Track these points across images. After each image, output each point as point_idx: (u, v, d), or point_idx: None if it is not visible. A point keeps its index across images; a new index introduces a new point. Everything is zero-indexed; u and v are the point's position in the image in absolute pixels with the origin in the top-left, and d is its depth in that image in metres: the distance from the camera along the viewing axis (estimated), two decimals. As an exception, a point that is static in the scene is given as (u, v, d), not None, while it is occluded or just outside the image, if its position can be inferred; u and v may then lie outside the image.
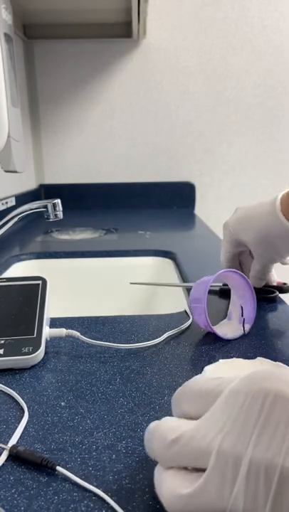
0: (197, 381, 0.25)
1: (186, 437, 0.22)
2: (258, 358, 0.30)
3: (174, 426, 0.23)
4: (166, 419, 0.25)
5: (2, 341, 0.44)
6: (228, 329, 0.51)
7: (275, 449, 0.19)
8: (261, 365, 0.29)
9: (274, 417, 0.19)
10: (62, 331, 0.47)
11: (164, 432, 0.24)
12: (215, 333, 0.49)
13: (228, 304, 0.55)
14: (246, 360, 0.30)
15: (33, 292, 0.50)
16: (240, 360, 0.30)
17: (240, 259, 0.62)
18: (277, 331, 0.53)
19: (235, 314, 0.53)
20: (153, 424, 0.25)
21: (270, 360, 0.29)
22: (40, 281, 0.51)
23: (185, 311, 0.58)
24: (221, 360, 0.30)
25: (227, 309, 0.55)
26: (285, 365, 0.28)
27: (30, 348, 0.43)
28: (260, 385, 0.21)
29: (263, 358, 0.29)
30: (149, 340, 0.48)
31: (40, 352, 0.43)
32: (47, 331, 0.47)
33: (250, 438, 0.20)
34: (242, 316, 0.52)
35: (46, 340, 0.46)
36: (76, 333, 0.47)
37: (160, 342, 0.49)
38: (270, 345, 0.48)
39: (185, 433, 0.22)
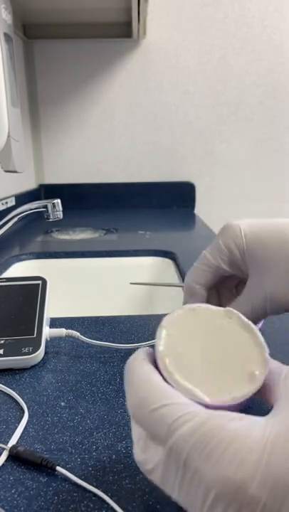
0: (146, 400, 0.21)
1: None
2: (228, 308, 0.26)
3: (146, 457, 0.22)
4: (137, 441, 0.23)
5: (2, 341, 0.44)
6: None
7: None
8: (229, 319, 0.25)
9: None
10: (62, 331, 0.47)
11: (140, 462, 0.22)
12: None
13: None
14: (213, 309, 0.26)
15: (33, 292, 0.49)
16: (207, 308, 0.27)
17: (218, 288, 0.40)
18: (278, 330, 0.53)
19: None
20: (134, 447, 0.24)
21: (239, 314, 0.26)
22: (40, 281, 0.51)
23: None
24: (186, 306, 0.27)
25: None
26: (255, 327, 0.25)
27: (30, 348, 0.43)
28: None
29: (233, 311, 0.26)
30: (149, 341, 0.48)
31: (40, 352, 0.43)
32: (47, 331, 0.47)
33: None
34: None
35: (46, 340, 0.46)
36: (76, 333, 0.47)
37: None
38: (270, 345, 0.48)
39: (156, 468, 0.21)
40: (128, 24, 1.41)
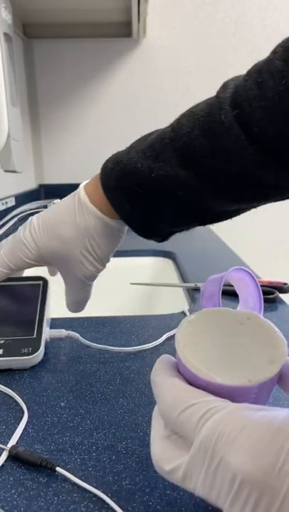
0: (174, 404, 0.22)
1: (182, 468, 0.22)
2: (248, 311, 0.27)
3: (169, 457, 0.22)
4: (157, 444, 0.24)
5: (2, 341, 0.43)
6: None
7: None
8: (248, 319, 0.26)
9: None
10: (62, 332, 0.47)
11: (159, 463, 0.23)
12: None
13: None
14: (232, 311, 0.27)
15: (33, 292, 0.49)
16: (227, 310, 0.27)
17: None
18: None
19: None
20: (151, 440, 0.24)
21: (258, 315, 0.26)
22: (41, 282, 0.51)
23: (183, 312, 0.58)
24: (205, 309, 0.28)
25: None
26: (273, 325, 0.26)
27: (30, 348, 0.43)
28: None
29: (252, 312, 0.27)
30: (149, 342, 0.48)
31: (40, 353, 0.43)
32: (47, 332, 0.46)
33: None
34: None
35: (46, 341, 0.46)
36: (76, 335, 0.47)
37: (159, 344, 0.49)
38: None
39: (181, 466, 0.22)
40: (128, 24, 1.41)
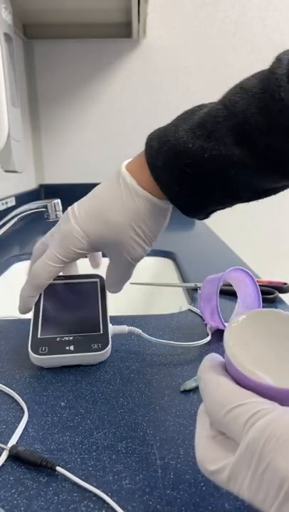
0: (222, 402, 0.22)
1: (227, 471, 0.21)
2: None
3: (214, 458, 0.22)
4: (202, 443, 0.23)
5: (71, 338, 0.44)
6: None
7: None
8: None
9: None
10: (125, 328, 0.48)
11: (204, 463, 0.23)
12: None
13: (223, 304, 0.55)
14: (283, 313, 0.27)
15: (92, 289, 0.50)
16: (278, 312, 0.27)
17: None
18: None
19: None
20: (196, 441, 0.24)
21: None
22: (98, 279, 0.51)
23: (180, 308, 0.58)
24: (256, 310, 0.27)
25: (229, 310, 0.55)
26: None
27: (100, 344, 0.43)
28: None
29: None
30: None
31: (109, 349, 0.43)
32: (111, 328, 0.47)
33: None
34: None
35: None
36: (138, 331, 0.48)
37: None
38: None
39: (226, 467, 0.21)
40: (128, 24, 1.41)
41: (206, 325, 0.53)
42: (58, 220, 0.76)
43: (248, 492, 0.20)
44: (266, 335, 0.25)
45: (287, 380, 0.23)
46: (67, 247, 0.41)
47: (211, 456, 0.22)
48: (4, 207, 1.17)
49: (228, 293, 0.62)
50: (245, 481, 0.20)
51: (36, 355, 0.42)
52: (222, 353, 0.26)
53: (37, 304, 0.47)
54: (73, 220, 0.40)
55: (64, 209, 0.78)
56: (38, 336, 0.44)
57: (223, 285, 0.65)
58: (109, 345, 0.44)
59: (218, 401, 0.22)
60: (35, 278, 0.42)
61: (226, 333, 0.25)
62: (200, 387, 0.25)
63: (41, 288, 0.43)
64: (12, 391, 0.39)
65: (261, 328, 0.26)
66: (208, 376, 0.24)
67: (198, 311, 0.57)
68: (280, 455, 0.18)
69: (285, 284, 0.65)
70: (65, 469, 0.29)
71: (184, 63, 1.56)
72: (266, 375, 0.23)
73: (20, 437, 0.33)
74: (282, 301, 0.62)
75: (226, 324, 0.48)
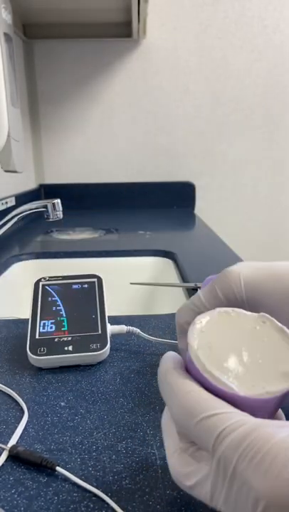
0: (192, 411, 0.21)
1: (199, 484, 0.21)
2: (262, 313, 0.26)
3: (188, 472, 0.22)
4: (175, 458, 0.23)
5: (70, 338, 0.44)
6: None
7: None
8: (263, 323, 0.25)
9: None
10: (123, 328, 0.48)
11: (179, 478, 0.22)
12: None
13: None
14: (246, 313, 0.26)
15: (90, 289, 0.50)
16: (241, 312, 0.26)
17: None
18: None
19: None
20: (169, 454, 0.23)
21: (273, 320, 0.25)
22: (95, 279, 0.51)
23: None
24: (219, 309, 0.26)
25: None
26: (287, 331, 0.25)
27: (98, 344, 0.43)
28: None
29: (267, 316, 0.26)
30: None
31: (108, 349, 0.43)
32: (109, 328, 0.47)
33: None
34: None
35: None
36: (136, 330, 0.48)
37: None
38: None
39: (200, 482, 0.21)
40: (128, 24, 1.41)
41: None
42: (57, 220, 0.76)
43: (226, 508, 0.19)
44: (230, 336, 0.25)
45: (253, 387, 0.22)
46: None
47: (185, 471, 0.22)
48: (4, 207, 1.17)
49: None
50: (221, 496, 0.19)
51: (35, 356, 0.42)
52: None
53: (35, 305, 0.47)
54: None
55: (64, 209, 0.78)
56: (36, 337, 0.44)
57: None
58: (108, 345, 0.44)
59: (188, 409, 0.21)
60: None
61: (189, 334, 0.24)
62: (163, 391, 0.24)
63: None
64: (12, 391, 0.39)
65: (225, 328, 0.25)
66: (174, 380, 0.23)
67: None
68: (254, 475, 0.18)
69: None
70: (65, 469, 0.29)
71: (183, 63, 1.56)
72: (232, 380, 0.22)
73: (20, 437, 0.33)
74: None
75: None
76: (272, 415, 0.23)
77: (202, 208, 1.67)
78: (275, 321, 0.25)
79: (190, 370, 0.24)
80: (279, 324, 0.25)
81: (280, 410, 0.25)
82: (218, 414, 0.20)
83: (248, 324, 0.25)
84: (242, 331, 0.25)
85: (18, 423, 0.35)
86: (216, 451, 0.19)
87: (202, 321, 0.26)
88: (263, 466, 0.18)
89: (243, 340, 0.24)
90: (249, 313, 0.26)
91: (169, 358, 0.25)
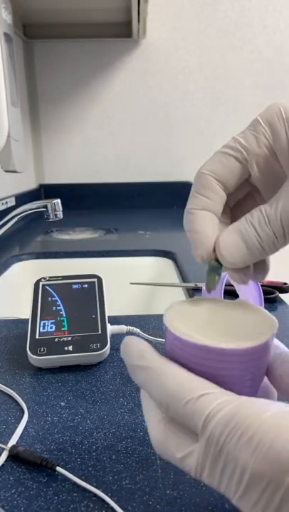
0: (178, 394, 0.20)
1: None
2: (239, 299, 0.26)
3: (178, 444, 0.21)
4: (158, 428, 0.22)
5: (70, 338, 0.44)
6: None
7: None
8: (239, 306, 0.25)
9: None
10: (123, 328, 0.48)
11: (167, 449, 0.21)
12: None
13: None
14: (225, 302, 0.26)
15: (90, 289, 0.50)
16: (218, 301, 0.26)
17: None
18: (278, 330, 0.53)
19: None
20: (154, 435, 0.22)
21: (250, 304, 0.25)
22: (95, 279, 0.51)
23: None
24: (194, 297, 0.26)
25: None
26: (265, 310, 0.25)
27: (98, 344, 0.43)
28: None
29: (244, 301, 0.25)
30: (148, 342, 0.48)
31: (108, 349, 0.43)
32: (109, 328, 0.47)
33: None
34: None
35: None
36: (137, 330, 0.48)
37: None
38: None
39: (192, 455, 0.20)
40: (128, 24, 1.41)
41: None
42: (57, 220, 0.76)
43: (210, 480, 0.19)
44: (206, 313, 0.25)
45: (224, 342, 0.22)
46: None
47: (173, 442, 0.21)
48: (4, 207, 1.17)
49: (229, 293, 0.62)
50: (205, 470, 0.19)
51: (35, 356, 0.42)
52: None
53: (35, 305, 0.47)
54: None
55: (64, 209, 0.78)
56: (36, 337, 0.44)
57: (225, 285, 0.65)
58: (108, 345, 0.44)
59: (172, 393, 0.20)
60: None
61: (165, 312, 0.24)
62: (139, 376, 0.22)
63: None
64: (12, 391, 0.39)
65: (201, 308, 0.25)
66: (151, 363, 0.22)
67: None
68: (243, 454, 0.18)
69: (285, 284, 0.65)
70: (65, 469, 0.29)
71: (183, 63, 1.56)
72: (207, 339, 0.22)
73: (20, 437, 0.33)
74: (282, 301, 0.62)
75: None
76: (254, 386, 0.23)
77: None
78: (251, 304, 0.25)
79: (167, 343, 0.24)
80: (266, 312, 0.25)
81: (272, 389, 0.25)
82: (204, 395, 0.20)
83: (224, 305, 0.26)
84: (217, 309, 0.25)
85: (18, 423, 0.35)
86: (205, 431, 0.19)
87: (177, 302, 0.26)
88: (250, 445, 0.18)
89: (218, 315, 0.25)
90: (227, 300, 0.26)
91: (134, 340, 0.23)
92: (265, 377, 0.25)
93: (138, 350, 0.23)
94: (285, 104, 0.23)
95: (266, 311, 0.25)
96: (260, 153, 0.23)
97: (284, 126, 0.22)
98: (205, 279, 0.25)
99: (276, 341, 0.25)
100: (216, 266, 0.24)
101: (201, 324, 0.23)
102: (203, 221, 0.23)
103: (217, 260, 0.23)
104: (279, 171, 0.23)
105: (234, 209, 0.26)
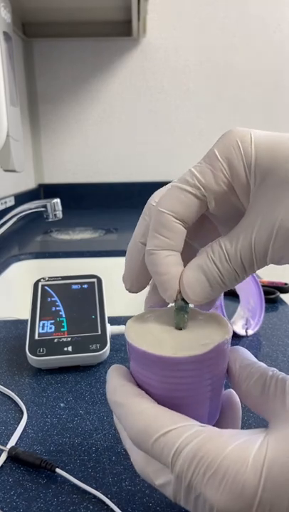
0: (147, 431, 0.21)
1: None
2: (212, 311, 0.26)
3: (156, 470, 0.22)
4: (138, 454, 0.23)
5: (69, 339, 0.43)
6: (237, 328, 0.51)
7: None
8: (209, 316, 0.25)
9: None
10: (123, 328, 0.47)
11: (148, 476, 0.22)
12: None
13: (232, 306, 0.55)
14: (197, 311, 0.26)
15: (90, 290, 0.50)
16: (193, 309, 0.26)
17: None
18: (278, 331, 0.52)
19: (240, 317, 0.53)
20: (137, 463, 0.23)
21: (219, 314, 0.25)
22: (95, 279, 0.51)
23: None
24: (171, 305, 0.26)
25: (231, 310, 0.55)
26: (225, 318, 0.25)
27: (98, 345, 0.43)
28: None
29: (216, 313, 0.26)
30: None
31: (107, 349, 0.43)
32: (109, 328, 0.47)
33: None
34: (245, 324, 0.52)
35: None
36: None
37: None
38: (270, 345, 0.48)
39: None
40: (128, 23, 1.41)
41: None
42: (56, 220, 0.76)
43: (187, 508, 0.20)
44: (165, 322, 0.25)
45: (174, 351, 0.22)
46: None
47: (152, 469, 0.22)
48: (3, 206, 1.17)
49: (230, 293, 0.62)
50: (181, 501, 0.20)
51: (34, 357, 0.42)
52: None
53: (34, 305, 0.47)
54: None
55: (63, 209, 0.78)
56: (36, 337, 0.44)
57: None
58: (108, 346, 0.43)
59: (142, 431, 0.21)
60: None
61: (125, 329, 0.25)
62: (114, 410, 0.23)
63: None
64: (11, 392, 0.39)
65: (169, 317, 0.26)
66: (123, 399, 0.22)
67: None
68: (208, 490, 0.19)
69: (286, 284, 0.65)
70: (65, 471, 0.29)
71: (183, 62, 1.55)
72: (155, 347, 0.22)
73: (19, 438, 0.33)
74: (282, 302, 0.62)
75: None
76: (214, 398, 0.24)
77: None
78: (220, 315, 0.26)
79: (131, 360, 0.24)
80: (221, 317, 0.25)
81: (236, 414, 0.25)
82: (171, 431, 0.20)
83: (194, 315, 0.26)
84: (170, 324, 0.25)
85: (18, 424, 0.34)
86: (174, 467, 0.20)
87: (153, 310, 0.27)
88: (215, 480, 0.18)
89: (171, 331, 0.25)
90: (201, 311, 0.27)
91: (114, 373, 0.24)
92: (232, 394, 0.25)
93: (112, 386, 0.24)
94: (241, 133, 0.22)
95: (225, 319, 0.25)
96: (218, 190, 0.22)
97: (242, 162, 0.22)
98: (174, 317, 0.25)
99: (246, 353, 0.25)
100: (182, 305, 0.24)
101: (158, 334, 0.24)
102: (166, 262, 0.23)
103: (183, 299, 0.24)
104: (237, 204, 0.23)
105: (193, 236, 0.26)
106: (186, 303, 0.24)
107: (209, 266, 0.23)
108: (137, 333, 0.24)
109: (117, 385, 0.23)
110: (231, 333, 0.24)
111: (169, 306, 0.27)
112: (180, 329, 0.25)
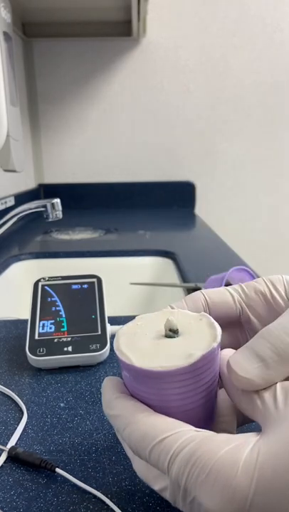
0: (144, 440, 0.21)
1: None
2: (202, 313, 0.27)
3: (155, 476, 0.22)
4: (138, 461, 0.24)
5: (69, 339, 0.43)
6: None
7: None
8: (200, 320, 0.26)
9: None
10: None
11: (148, 481, 0.23)
12: None
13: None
14: (188, 312, 0.27)
15: (90, 290, 0.50)
16: (183, 312, 0.27)
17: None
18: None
19: None
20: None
21: (210, 317, 0.26)
22: (95, 279, 0.51)
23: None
24: (164, 309, 0.28)
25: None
26: (218, 327, 0.25)
27: (98, 345, 0.43)
28: None
29: (205, 314, 0.26)
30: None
31: (107, 349, 0.43)
32: (109, 328, 0.47)
33: None
34: None
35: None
36: None
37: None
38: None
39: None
40: (128, 23, 1.41)
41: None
42: (57, 220, 0.76)
43: (185, 510, 0.21)
44: (159, 327, 0.26)
45: (154, 361, 0.23)
46: None
47: (152, 475, 0.23)
48: (3, 206, 1.17)
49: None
50: (179, 505, 0.21)
51: (34, 357, 0.42)
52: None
53: (34, 305, 0.47)
54: None
55: (63, 209, 0.78)
56: (36, 337, 0.44)
57: (225, 285, 0.65)
58: (108, 346, 0.43)
59: (140, 439, 0.22)
60: None
61: (114, 340, 0.26)
62: (112, 423, 0.24)
63: None
64: (11, 392, 0.39)
65: (160, 322, 0.26)
66: (119, 411, 0.23)
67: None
68: (201, 493, 0.19)
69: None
70: (65, 471, 0.29)
71: (184, 62, 1.55)
72: (138, 357, 0.23)
73: (19, 438, 0.33)
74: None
75: None
76: (208, 404, 0.24)
77: (202, 207, 1.67)
78: (211, 318, 0.26)
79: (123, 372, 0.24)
80: (212, 320, 0.26)
81: (232, 417, 0.26)
82: (167, 438, 0.21)
83: (185, 320, 0.26)
84: (160, 336, 0.26)
85: (18, 424, 0.34)
86: (170, 473, 0.20)
87: (142, 316, 0.27)
88: (208, 484, 0.19)
89: (161, 342, 0.25)
90: (192, 312, 0.27)
91: (107, 386, 0.25)
92: (228, 404, 0.26)
93: (107, 400, 0.24)
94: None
95: (218, 328, 0.25)
96: None
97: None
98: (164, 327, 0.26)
99: None
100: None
101: (145, 341, 0.25)
102: None
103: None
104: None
105: None
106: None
107: None
108: (126, 345, 0.24)
109: (112, 398, 0.24)
110: (220, 337, 0.24)
111: (157, 312, 0.28)
112: (170, 337, 0.25)
